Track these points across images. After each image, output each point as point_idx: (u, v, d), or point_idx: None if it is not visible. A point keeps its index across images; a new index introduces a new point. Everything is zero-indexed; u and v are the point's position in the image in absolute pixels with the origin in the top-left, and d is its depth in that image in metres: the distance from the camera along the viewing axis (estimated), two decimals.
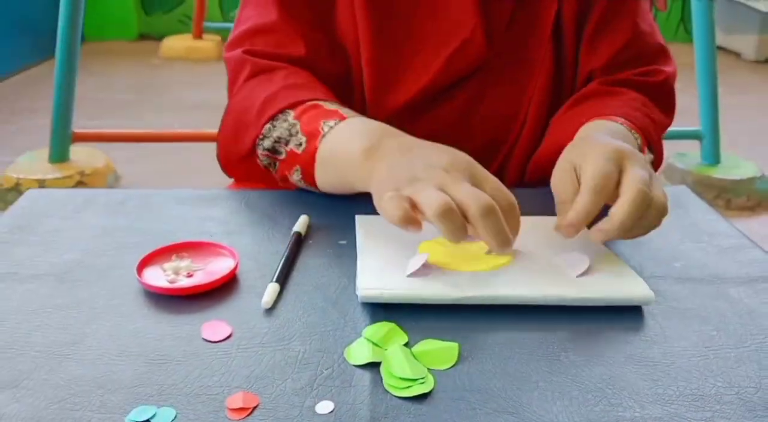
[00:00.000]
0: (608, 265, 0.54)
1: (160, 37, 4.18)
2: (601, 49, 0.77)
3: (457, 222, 0.48)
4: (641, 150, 0.67)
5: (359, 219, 0.62)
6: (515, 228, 0.52)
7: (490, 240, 0.49)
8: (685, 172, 2.24)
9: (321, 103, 0.67)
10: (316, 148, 0.63)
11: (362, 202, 0.68)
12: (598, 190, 0.51)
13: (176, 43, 3.99)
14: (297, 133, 0.65)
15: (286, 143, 0.66)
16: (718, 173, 2.20)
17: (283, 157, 0.67)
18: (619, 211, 0.51)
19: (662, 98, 0.77)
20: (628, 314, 0.50)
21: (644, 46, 0.78)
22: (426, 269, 0.52)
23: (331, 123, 0.63)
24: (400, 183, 0.52)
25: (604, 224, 0.52)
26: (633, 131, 0.68)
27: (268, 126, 0.67)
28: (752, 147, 2.62)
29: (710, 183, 2.17)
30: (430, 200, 0.48)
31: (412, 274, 0.52)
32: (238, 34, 0.75)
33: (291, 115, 0.66)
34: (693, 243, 0.61)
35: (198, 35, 3.99)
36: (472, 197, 0.48)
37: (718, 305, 0.52)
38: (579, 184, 0.54)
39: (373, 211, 0.66)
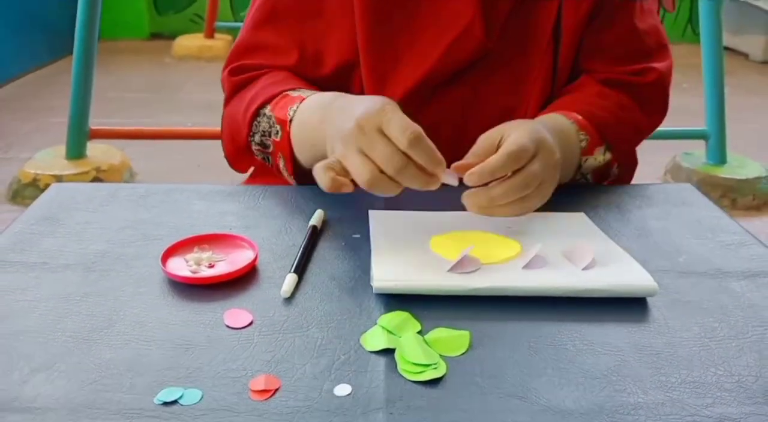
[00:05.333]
0: (613, 258, 0.56)
1: (171, 37, 4.21)
2: (596, 46, 0.79)
3: (385, 188, 0.56)
4: (586, 149, 0.72)
5: (372, 213, 0.64)
6: (433, 154, 0.55)
7: (416, 186, 0.55)
8: (691, 170, 2.25)
9: (289, 92, 0.72)
10: (288, 133, 0.70)
11: (374, 196, 0.71)
12: (512, 157, 0.57)
13: (188, 42, 4.03)
14: (274, 123, 0.71)
15: (269, 135, 0.72)
16: (723, 173, 2.21)
17: (271, 149, 0.74)
18: (484, 165, 0.57)
19: (651, 100, 0.80)
20: (632, 305, 0.52)
21: (641, 43, 0.80)
22: (464, 264, 0.54)
23: (295, 107, 0.69)
24: (333, 146, 0.58)
25: (477, 167, 0.57)
26: (581, 132, 0.72)
27: (254, 123, 0.74)
28: (759, 147, 2.62)
29: (716, 182, 2.19)
30: (357, 171, 0.56)
31: (453, 269, 0.53)
32: (230, 53, 0.81)
33: (267, 108, 0.73)
34: (697, 238, 0.63)
35: (210, 35, 4.02)
36: (385, 159, 0.54)
37: (720, 298, 0.53)
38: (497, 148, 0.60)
39: (383, 206, 0.69)
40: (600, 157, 0.74)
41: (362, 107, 0.57)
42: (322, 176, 0.57)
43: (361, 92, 0.77)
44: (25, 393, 0.41)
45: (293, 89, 0.73)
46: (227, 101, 0.80)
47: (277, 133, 0.71)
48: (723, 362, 0.46)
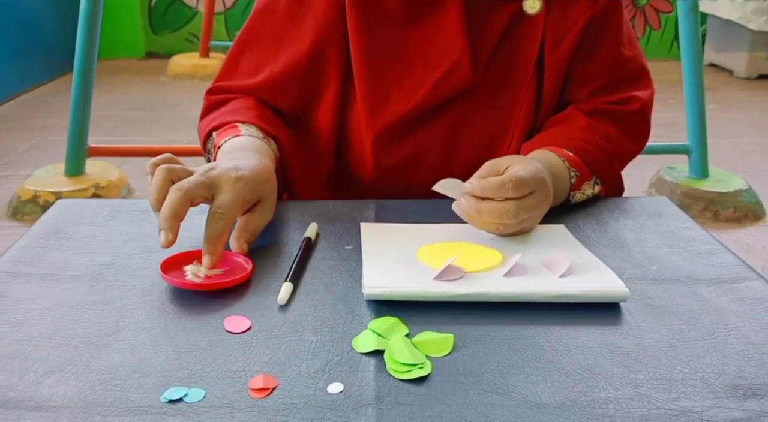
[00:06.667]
0: (589, 267, 0.60)
1: (167, 56, 4.27)
2: (582, 76, 0.82)
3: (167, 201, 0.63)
4: (575, 185, 0.76)
5: (364, 226, 0.68)
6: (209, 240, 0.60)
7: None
8: (674, 184, 2.31)
9: (239, 124, 0.78)
10: (216, 157, 0.77)
11: (365, 210, 0.74)
12: (509, 186, 0.62)
13: (184, 61, 4.08)
14: (213, 147, 0.79)
15: (211, 154, 0.80)
16: (706, 186, 2.27)
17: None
18: (485, 181, 0.63)
19: (635, 126, 0.84)
20: (606, 310, 0.55)
21: (624, 72, 0.84)
22: (449, 273, 0.57)
23: (228, 138, 0.76)
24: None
25: (476, 180, 0.63)
26: (572, 169, 0.75)
27: (208, 142, 0.82)
28: (742, 160, 2.68)
29: (698, 195, 2.24)
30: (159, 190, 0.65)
31: (438, 277, 0.57)
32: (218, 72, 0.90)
33: (215, 133, 0.80)
34: (669, 248, 0.67)
35: (205, 54, 4.08)
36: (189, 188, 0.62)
37: (689, 303, 0.57)
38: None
39: (374, 219, 0.72)
40: (589, 190, 0.77)
41: (221, 168, 0.64)
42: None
43: (338, 116, 0.83)
44: (40, 393, 0.44)
45: (244, 122, 0.78)
46: (201, 117, 0.88)
47: (210, 153, 0.80)
48: (689, 361, 0.49)
